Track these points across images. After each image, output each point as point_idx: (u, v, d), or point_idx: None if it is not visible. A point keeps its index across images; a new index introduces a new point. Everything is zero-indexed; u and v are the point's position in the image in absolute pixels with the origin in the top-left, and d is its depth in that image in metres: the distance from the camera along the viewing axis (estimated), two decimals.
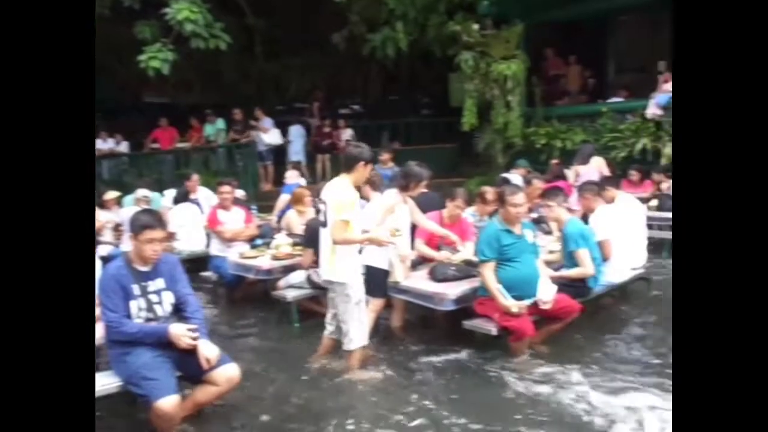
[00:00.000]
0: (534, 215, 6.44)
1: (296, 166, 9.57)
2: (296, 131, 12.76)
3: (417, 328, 5.17)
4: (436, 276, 4.71)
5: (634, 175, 8.52)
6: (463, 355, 4.48)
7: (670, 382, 3.89)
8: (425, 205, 5.19)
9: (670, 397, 3.72)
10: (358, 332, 4.12)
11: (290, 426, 3.64)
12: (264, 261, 5.69)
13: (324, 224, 4.09)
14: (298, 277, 5.41)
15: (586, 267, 4.68)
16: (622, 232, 5.37)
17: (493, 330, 4.26)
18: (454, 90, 11.88)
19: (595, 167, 8.25)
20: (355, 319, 4.10)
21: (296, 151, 12.43)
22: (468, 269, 4.74)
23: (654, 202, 7.94)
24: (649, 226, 7.25)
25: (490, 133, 10.47)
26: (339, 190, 4.03)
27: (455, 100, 11.76)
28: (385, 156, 8.67)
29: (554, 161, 8.86)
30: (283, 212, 7.18)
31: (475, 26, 9.97)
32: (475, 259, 4.61)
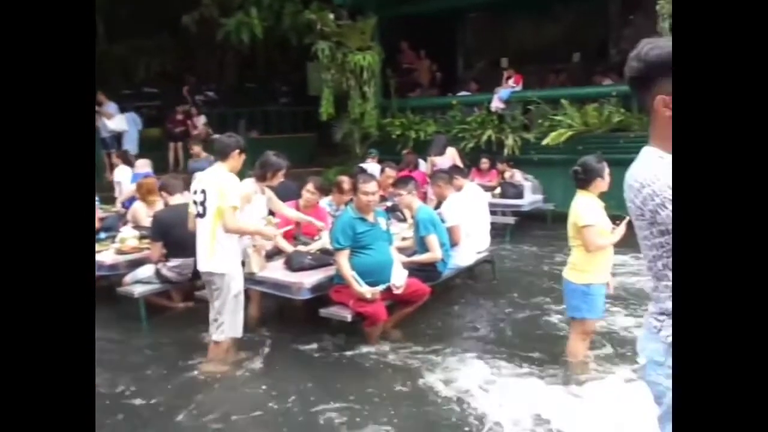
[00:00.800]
0: (389, 203, 6.66)
1: (121, 155, 9.00)
2: (130, 118, 11.91)
3: (274, 318, 5.14)
4: (292, 265, 4.71)
5: (484, 163, 9.12)
6: (320, 343, 4.54)
7: (513, 352, 4.31)
8: (282, 194, 5.16)
9: (512, 365, 4.11)
10: (232, 324, 4.08)
11: (140, 424, 3.47)
12: (107, 256, 5.32)
13: (201, 214, 3.99)
14: (146, 271, 5.12)
15: (434, 252, 4.94)
16: (470, 218, 5.73)
17: (348, 316, 4.35)
18: (312, 79, 11.87)
19: (450, 157, 8.70)
20: (231, 311, 4.05)
21: (131, 140, 11.61)
22: (324, 258, 4.79)
23: (498, 190, 8.57)
24: (493, 213, 7.84)
25: (348, 123, 10.62)
26: (222, 177, 3.97)
27: (313, 89, 11.76)
28: (196, 149, 8.87)
29: (406, 151, 9.19)
30: (129, 203, 6.75)
31: (331, 16, 10.02)
32: (331, 247, 4.68)
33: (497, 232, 7.58)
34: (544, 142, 8.79)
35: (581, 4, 11.86)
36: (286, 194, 5.33)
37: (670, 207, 1.60)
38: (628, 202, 1.76)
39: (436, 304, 5.18)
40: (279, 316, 5.21)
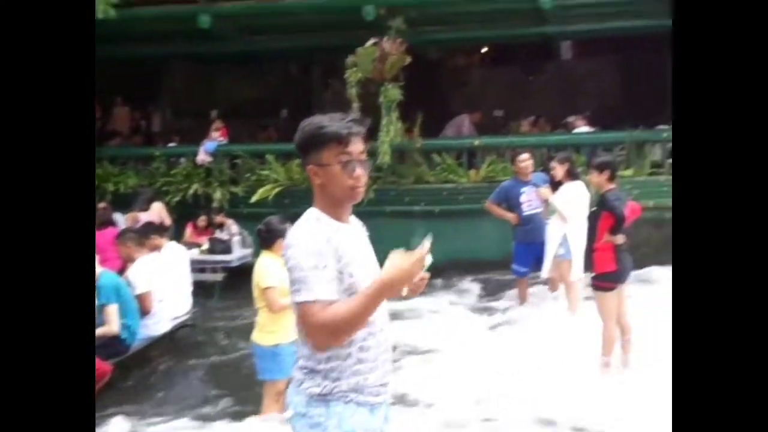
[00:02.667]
0: None
1: None
2: None
3: None
4: None
5: (202, 220, 8.75)
6: None
7: (211, 413, 4.07)
8: None
9: (208, 425, 3.93)
10: None
11: None
12: None
13: None
14: None
15: (111, 324, 4.43)
16: (164, 282, 5.33)
17: None
18: None
19: (156, 212, 8.12)
20: None
21: None
22: None
23: (205, 246, 8.27)
24: (201, 270, 7.53)
25: None
26: None
27: None
28: None
29: (101, 205, 8.31)
30: None
31: None
32: None
33: (204, 290, 7.28)
34: (254, 198, 8.82)
35: (287, 64, 12.51)
36: None
37: (296, 274, 1.78)
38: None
39: (126, 380, 4.67)
40: None
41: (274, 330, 3.74)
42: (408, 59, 8.21)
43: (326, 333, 1.75)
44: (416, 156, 8.65)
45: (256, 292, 3.77)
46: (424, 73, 10.35)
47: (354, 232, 1.95)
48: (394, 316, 4.22)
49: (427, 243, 1.91)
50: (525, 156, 6.10)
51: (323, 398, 1.84)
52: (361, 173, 1.85)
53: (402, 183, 8.59)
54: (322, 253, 1.77)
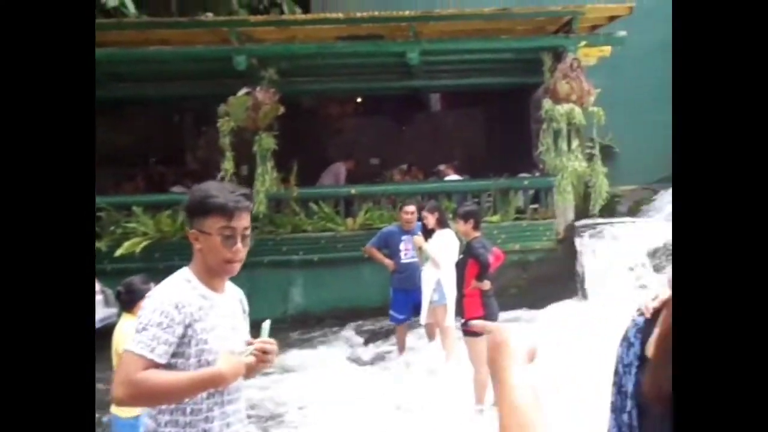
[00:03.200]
0: None
1: None
2: None
3: None
4: None
5: None
6: None
7: None
8: None
9: None
10: None
11: None
12: None
13: None
14: None
15: None
16: None
17: None
18: None
19: None
20: None
21: None
22: None
23: None
24: None
25: None
26: None
27: None
28: None
29: None
30: None
31: None
32: None
33: None
34: (118, 252, 8.27)
35: (155, 110, 12.03)
36: None
37: (139, 324, 1.78)
38: None
39: None
40: None
41: None
42: (281, 109, 8.24)
43: (130, 390, 1.72)
44: (293, 205, 8.60)
45: (115, 360, 3.48)
46: (299, 122, 10.42)
47: (224, 302, 1.93)
48: (272, 368, 4.08)
49: (265, 325, 1.95)
50: (411, 208, 6.24)
51: None
52: (240, 249, 1.86)
53: (279, 232, 8.47)
54: (171, 315, 1.77)
